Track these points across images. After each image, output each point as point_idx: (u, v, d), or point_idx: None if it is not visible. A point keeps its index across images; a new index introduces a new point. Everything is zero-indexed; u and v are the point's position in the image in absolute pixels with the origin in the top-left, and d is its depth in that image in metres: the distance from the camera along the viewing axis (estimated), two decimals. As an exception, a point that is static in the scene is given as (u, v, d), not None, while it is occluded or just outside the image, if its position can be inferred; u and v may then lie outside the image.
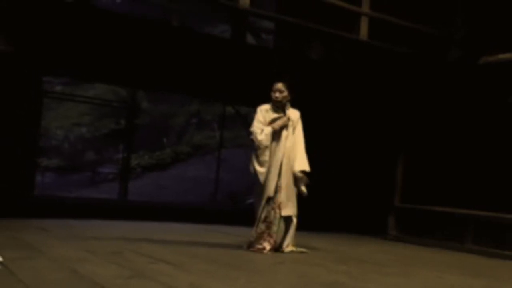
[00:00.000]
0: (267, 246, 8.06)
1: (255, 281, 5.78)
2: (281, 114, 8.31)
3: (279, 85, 8.34)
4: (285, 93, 8.32)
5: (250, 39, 16.79)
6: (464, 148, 11.33)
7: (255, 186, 8.27)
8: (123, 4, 28.22)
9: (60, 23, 10.43)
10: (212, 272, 6.17)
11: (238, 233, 10.29)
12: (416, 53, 12.12)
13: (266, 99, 11.80)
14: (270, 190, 8.11)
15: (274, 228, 8.15)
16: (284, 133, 8.25)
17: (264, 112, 8.37)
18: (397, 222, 11.97)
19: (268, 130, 8.14)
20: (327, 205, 12.68)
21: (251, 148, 8.32)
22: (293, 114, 8.43)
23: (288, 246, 8.23)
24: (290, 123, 8.31)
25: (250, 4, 10.35)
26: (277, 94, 8.31)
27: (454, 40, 12.18)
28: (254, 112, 8.45)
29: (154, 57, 11.54)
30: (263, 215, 8.16)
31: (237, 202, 20.50)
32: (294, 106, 8.39)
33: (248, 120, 23.48)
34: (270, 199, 8.15)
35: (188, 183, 23.87)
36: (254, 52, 13.53)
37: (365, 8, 11.33)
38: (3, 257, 5.79)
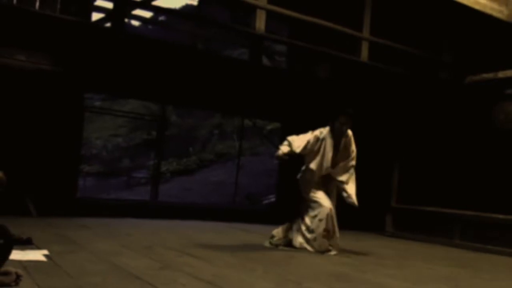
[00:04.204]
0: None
1: (270, 272, 5.78)
2: (336, 142, 7.94)
3: (348, 119, 7.92)
4: (350, 125, 7.97)
5: (265, 60, 16.79)
6: (452, 156, 11.31)
7: None
8: (155, 30, 28.26)
9: (100, 46, 10.48)
10: (232, 264, 6.17)
11: (255, 230, 10.29)
12: (410, 73, 12.10)
13: (279, 113, 11.79)
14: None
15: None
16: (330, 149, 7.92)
17: (317, 139, 7.89)
18: (394, 220, 11.95)
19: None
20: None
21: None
22: (347, 136, 8.06)
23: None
24: (344, 139, 7.97)
25: (265, 30, 10.36)
26: (346, 127, 7.91)
27: (443, 62, 12.16)
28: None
29: (182, 76, 11.57)
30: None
31: (254, 202, 20.47)
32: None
33: (263, 131, 23.54)
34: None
35: (211, 186, 23.81)
36: (268, 72, 13.55)
37: (366, 33, 11.32)
38: (49, 251, 5.81)
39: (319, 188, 8.00)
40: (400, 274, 6.47)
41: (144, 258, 6.01)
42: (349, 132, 8.07)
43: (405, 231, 11.55)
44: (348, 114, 7.95)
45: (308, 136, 7.94)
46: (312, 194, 7.94)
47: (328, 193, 8.06)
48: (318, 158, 7.93)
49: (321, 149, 7.93)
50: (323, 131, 7.98)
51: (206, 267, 5.78)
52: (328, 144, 7.93)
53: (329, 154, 7.92)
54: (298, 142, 7.87)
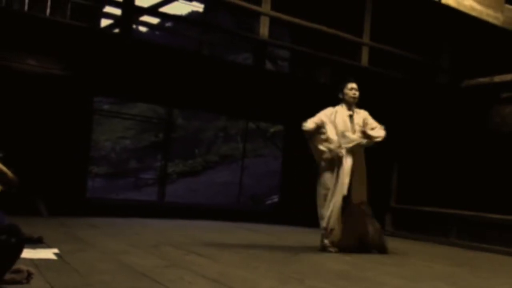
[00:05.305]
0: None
1: (272, 270, 5.78)
2: (351, 112, 8.00)
3: (355, 84, 8.04)
4: (357, 89, 8.05)
5: (268, 65, 16.79)
6: (450, 158, 11.31)
7: None
8: (161, 36, 28.29)
9: (108, 51, 10.48)
10: (236, 262, 6.17)
11: (258, 229, 10.29)
12: (409, 77, 12.10)
13: (282, 116, 11.75)
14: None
15: None
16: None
17: (328, 114, 7.99)
18: (393, 220, 11.93)
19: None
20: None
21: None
22: (363, 113, 8.15)
23: None
24: (359, 127, 8.01)
25: (268, 36, 10.36)
26: (355, 91, 8.00)
27: (441, 66, 12.16)
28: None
29: (188, 81, 11.57)
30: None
31: (257, 203, 20.47)
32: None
33: (266, 134, 23.54)
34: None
35: (216, 187, 23.80)
36: (271, 76, 13.54)
37: (366, 39, 11.32)
38: (59, 249, 5.82)
39: (337, 179, 7.97)
40: (400, 272, 6.46)
41: (151, 257, 6.02)
42: (365, 113, 8.18)
43: (404, 230, 11.54)
44: (351, 80, 8.11)
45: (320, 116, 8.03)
46: (326, 193, 7.95)
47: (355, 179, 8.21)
48: (334, 127, 7.94)
49: (336, 119, 7.95)
50: (336, 106, 8.07)
51: (211, 265, 5.78)
52: (344, 114, 7.99)
53: (346, 120, 7.97)
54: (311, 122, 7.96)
